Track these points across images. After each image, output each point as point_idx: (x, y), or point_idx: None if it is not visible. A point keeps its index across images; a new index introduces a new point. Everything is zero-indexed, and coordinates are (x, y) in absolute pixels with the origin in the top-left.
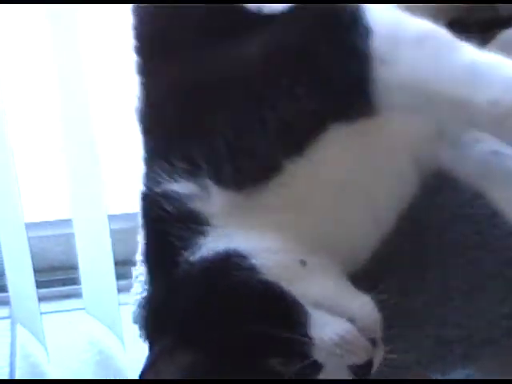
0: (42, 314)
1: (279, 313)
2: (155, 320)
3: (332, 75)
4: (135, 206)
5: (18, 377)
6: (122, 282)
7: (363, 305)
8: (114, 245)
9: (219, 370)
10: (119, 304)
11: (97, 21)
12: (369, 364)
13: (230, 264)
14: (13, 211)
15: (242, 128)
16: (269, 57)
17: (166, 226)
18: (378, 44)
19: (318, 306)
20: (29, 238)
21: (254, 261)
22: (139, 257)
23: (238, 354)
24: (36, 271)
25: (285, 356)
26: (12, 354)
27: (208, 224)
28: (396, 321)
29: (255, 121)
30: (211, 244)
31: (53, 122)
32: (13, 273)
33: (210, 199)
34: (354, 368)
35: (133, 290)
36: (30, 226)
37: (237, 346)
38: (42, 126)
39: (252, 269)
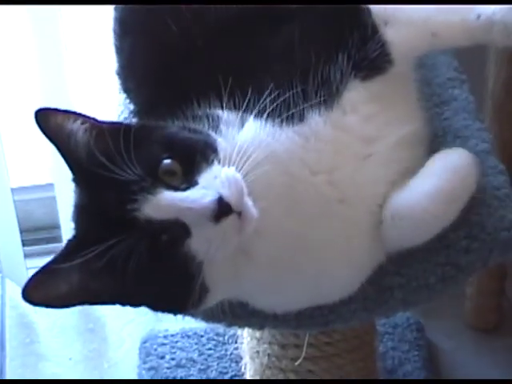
0: (28, 269)
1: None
2: None
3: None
4: None
5: (8, 325)
6: None
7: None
8: None
9: None
10: None
11: None
12: (228, 207)
13: None
14: (0, 178)
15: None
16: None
17: None
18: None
19: None
20: (15, 202)
21: None
22: None
23: None
24: (22, 231)
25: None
26: (2, 305)
27: None
28: None
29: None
30: None
31: (34, 85)
32: (1, 233)
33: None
34: (216, 203)
35: None
36: (15, 191)
37: None
38: (25, 91)
39: None
